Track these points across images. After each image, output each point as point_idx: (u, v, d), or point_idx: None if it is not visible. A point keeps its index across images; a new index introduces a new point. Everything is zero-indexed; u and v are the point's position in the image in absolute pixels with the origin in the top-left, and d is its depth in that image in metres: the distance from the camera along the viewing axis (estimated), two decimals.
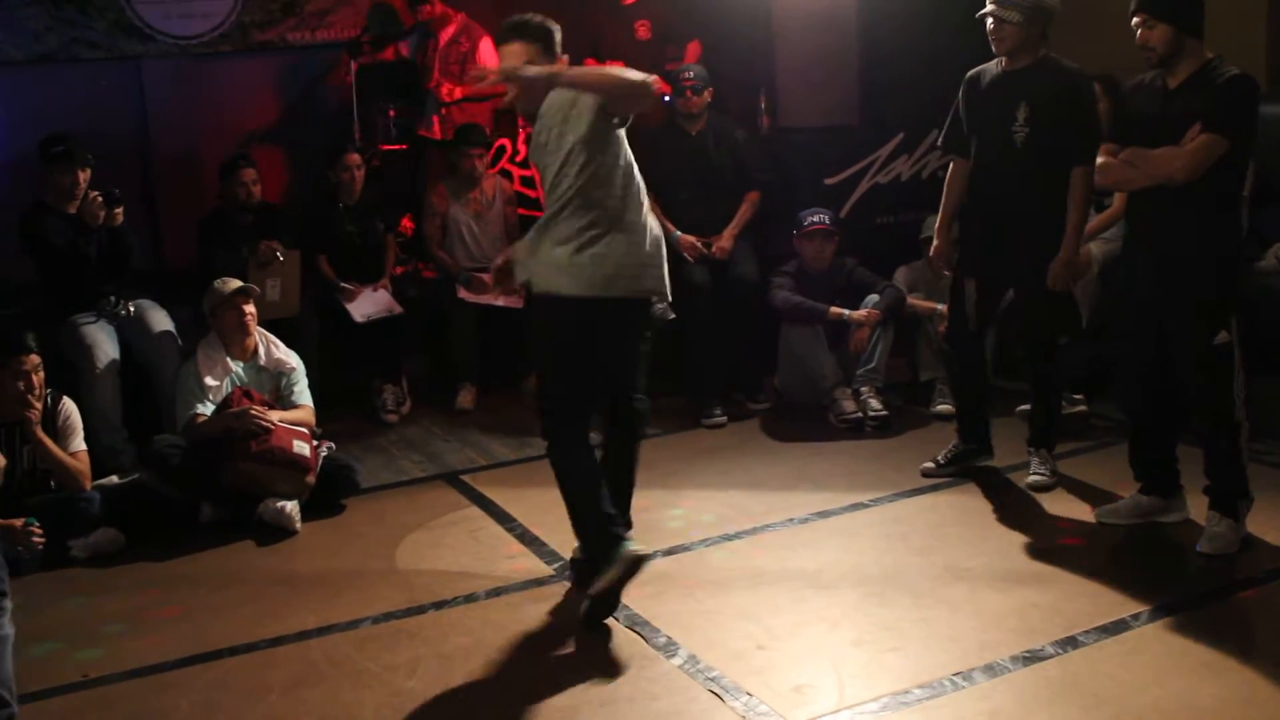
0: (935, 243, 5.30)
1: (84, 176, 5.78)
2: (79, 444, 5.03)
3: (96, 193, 5.74)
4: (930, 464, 5.33)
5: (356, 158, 6.81)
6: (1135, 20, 4.29)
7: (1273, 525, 4.53)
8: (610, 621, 4.06)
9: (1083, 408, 5.88)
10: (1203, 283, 4.31)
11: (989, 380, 5.46)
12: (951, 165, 5.27)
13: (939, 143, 5.41)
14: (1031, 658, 3.71)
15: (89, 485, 5.00)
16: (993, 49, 4.92)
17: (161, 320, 5.96)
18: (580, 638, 3.98)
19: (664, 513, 5.03)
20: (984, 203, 5.07)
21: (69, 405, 5.08)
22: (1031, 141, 4.85)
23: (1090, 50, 5.48)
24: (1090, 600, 4.09)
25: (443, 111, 7.51)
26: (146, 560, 4.81)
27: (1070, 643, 3.79)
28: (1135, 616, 3.95)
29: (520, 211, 7.17)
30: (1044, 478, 5.10)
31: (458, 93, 7.46)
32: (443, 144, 7.36)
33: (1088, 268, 5.71)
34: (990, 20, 4.84)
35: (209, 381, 5.30)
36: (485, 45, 7.51)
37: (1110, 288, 5.54)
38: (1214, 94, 4.17)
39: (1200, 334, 4.32)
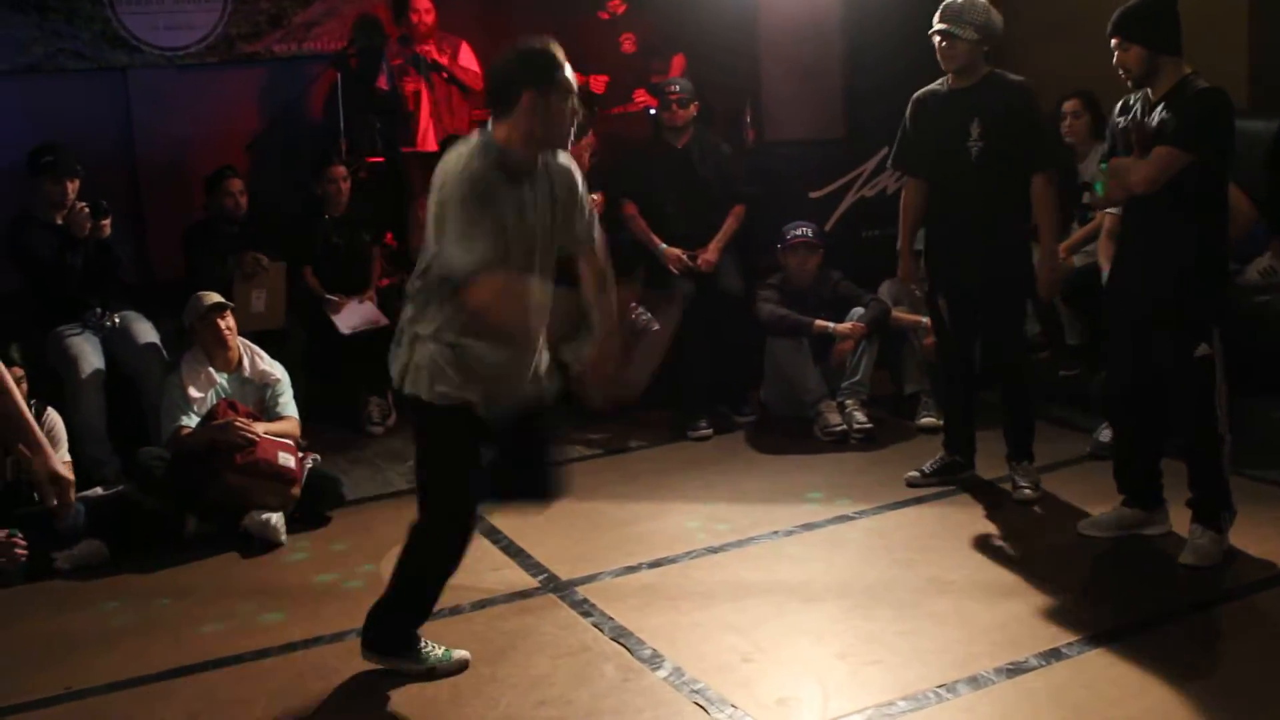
0: (901, 263, 5.35)
1: (73, 187, 5.77)
2: (63, 455, 5.00)
3: (83, 204, 5.73)
4: (915, 473, 5.35)
5: (342, 170, 6.81)
6: (1112, 43, 4.36)
7: (1254, 538, 4.55)
8: (595, 634, 4.07)
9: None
10: (1185, 295, 4.33)
11: (975, 393, 5.46)
12: (906, 185, 5.33)
13: (889, 161, 5.46)
14: (1015, 670, 3.72)
15: (73, 497, 4.97)
16: (942, 66, 5.01)
17: (147, 332, 5.94)
18: (565, 650, 3.98)
19: (649, 525, 5.04)
20: (944, 220, 5.13)
21: (53, 416, 5.07)
22: (986, 156, 4.93)
23: (1069, 64, 5.52)
24: (1073, 612, 4.10)
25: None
26: (130, 572, 4.80)
27: (1053, 655, 3.80)
28: (1118, 628, 3.97)
29: None
30: (1030, 490, 5.12)
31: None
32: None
33: (1069, 272, 5.72)
34: (941, 38, 4.92)
35: (193, 393, 5.29)
36: (465, 50, 7.54)
37: (1097, 300, 5.56)
38: (1179, 108, 4.22)
39: (1182, 346, 4.35)
